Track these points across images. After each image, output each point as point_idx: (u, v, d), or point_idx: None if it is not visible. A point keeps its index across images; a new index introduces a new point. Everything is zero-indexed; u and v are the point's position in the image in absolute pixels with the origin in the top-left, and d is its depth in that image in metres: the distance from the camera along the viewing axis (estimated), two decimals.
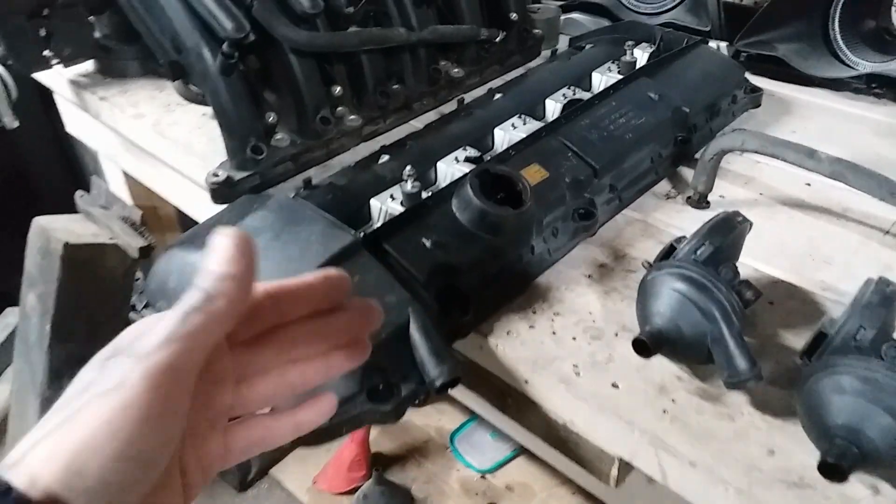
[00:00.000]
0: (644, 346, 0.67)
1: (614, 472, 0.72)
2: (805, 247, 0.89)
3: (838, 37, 1.24)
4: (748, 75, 1.21)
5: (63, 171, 2.10)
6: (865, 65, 1.21)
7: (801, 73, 1.22)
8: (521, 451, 1.94)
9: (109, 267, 1.55)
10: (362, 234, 0.79)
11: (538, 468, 1.91)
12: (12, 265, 1.53)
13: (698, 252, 0.72)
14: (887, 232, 0.90)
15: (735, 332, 0.65)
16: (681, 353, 0.71)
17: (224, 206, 0.99)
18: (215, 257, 0.42)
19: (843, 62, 1.23)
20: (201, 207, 1.09)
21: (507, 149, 0.90)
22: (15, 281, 1.55)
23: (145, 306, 0.78)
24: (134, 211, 1.64)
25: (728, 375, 0.66)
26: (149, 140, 1.17)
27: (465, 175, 0.82)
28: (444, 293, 0.76)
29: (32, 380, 1.58)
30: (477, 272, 0.78)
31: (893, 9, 1.30)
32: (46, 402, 1.58)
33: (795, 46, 1.24)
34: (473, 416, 2.06)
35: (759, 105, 1.17)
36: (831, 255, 0.87)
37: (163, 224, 1.74)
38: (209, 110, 1.14)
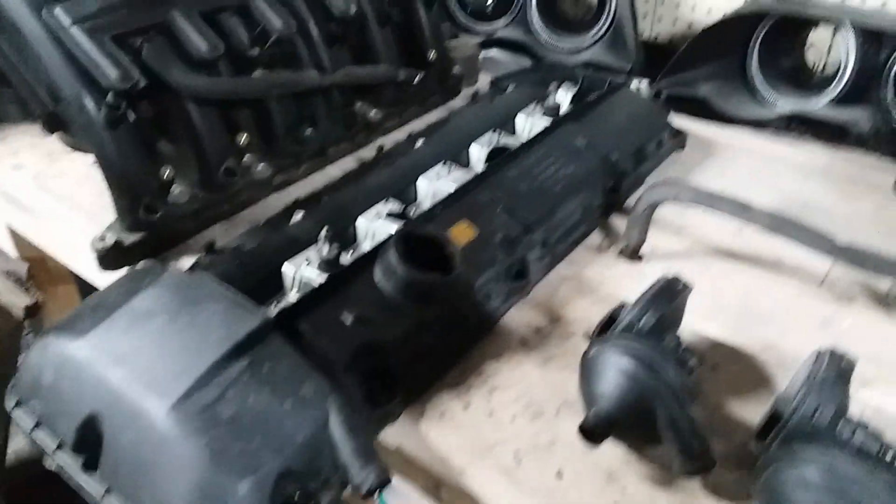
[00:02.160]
0: (592, 434, 0.61)
1: None
2: (742, 301, 0.86)
3: (757, 76, 1.24)
4: (671, 114, 1.19)
5: None
6: (785, 103, 1.22)
7: (722, 113, 1.21)
8: None
9: None
10: (274, 308, 0.70)
11: None
12: None
13: (641, 322, 0.67)
14: (822, 282, 0.88)
15: (686, 416, 0.60)
16: (629, 436, 0.65)
17: (114, 272, 0.88)
18: None
19: (762, 101, 1.23)
20: (91, 267, 0.97)
21: (434, 205, 0.84)
22: None
23: (16, 405, 0.67)
24: (19, 265, 1.49)
25: (681, 463, 0.60)
26: (29, 194, 1.04)
27: (388, 239, 0.74)
28: (368, 375, 0.68)
29: None
30: (405, 348, 0.71)
31: (807, 48, 1.32)
32: None
33: (716, 86, 1.24)
34: None
35: (684, 147, 1.15)
36: (769, 309, 0.85)
37: (53, 277, 1.57)
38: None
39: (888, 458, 0.56)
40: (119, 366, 0.61)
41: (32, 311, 1.46)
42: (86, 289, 1.67)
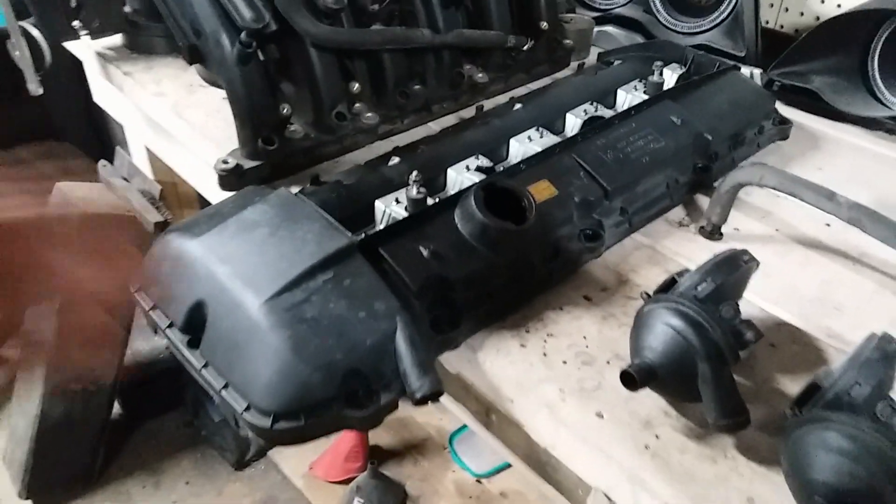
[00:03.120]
0: (632, 379, 0.65)
1: (590, 501, 0.70)
2: (817, 291, 0.86)
3: (877, 74, 1.20)
4: (779, 105, 1.17)
5: (91, 139, 2.12)
6: None
7: (833, 109, 1.18)
8: None
9: (125, 238, 1.56)
10: (361, 235, 0.78)
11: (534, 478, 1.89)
12: None
13: (699, 288, 0.69)
14: None
15: (726, 375, 0.63)
16: (669, 390, 0.69)
17: (232, 192, 0.99)
18: None
19: (878, 100, 1.20)
20: (214, 190, 1.10)
21: (518, 163, 0.89)
22: None
23: (137, 289, 0.78)
24: (154, 185, 1.65)
25: (715, 418, 0.64)
26: (167, 119, 1.17)
27: (471, 187, 0.81)
28: (436, 304, 0.75)
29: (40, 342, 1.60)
30: (472, 287, 0.77)
31: None
32: (52, 366, 1.60)
33: (831, 80, 1.21)
34: None
35: (787, 137, 1.14)
36: (843, 301, 0.85)
37: (181, 201, 1.75)
38: None
39: None
40: (225, 264, 0.71)
41: (161, 227, 1.63)
42: None
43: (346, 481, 1.91)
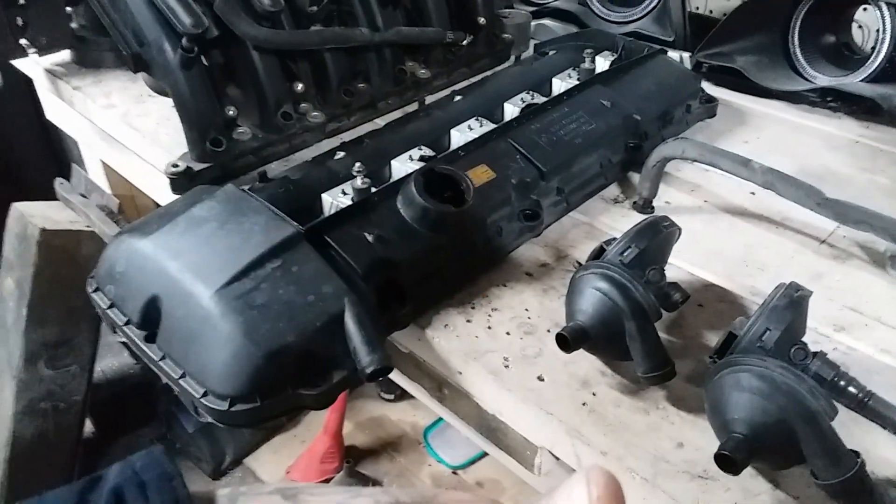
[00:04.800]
0: (565, 341, 0.70)
1: (537, 460, 0.75)
2: (741, 253, 0.92)
3: (798, 50, 1.27)
4: (708, 86, 1.24)
5: (46, 158, 2.12)
6: (823, 79, 1.25)
7: (759, 86, 1.25)
8: None
9: (85, 254, 1.57)
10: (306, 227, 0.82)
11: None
12: None
13: (625, 254, 0.74)
14: (823, 241, 0.93)
15: (650, 331, 0.68)
16: (602, 349, 0.74)
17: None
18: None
19: (800, 75, 1.27)
20: (167, 196, 1.12)
21: (457, 149, 0.93)
22: None
23: (95, 290, 0.81)
24: (111, 200, 1.66)
25: (643, 371, 0.69)
26: (119, 130, 1.20)
27: (412, 173, 0.85)
28: (383, 287, 0.79)
29: (9, 363, 1.61)
30: (417, 267, 0.81)
31: (854, 25, 1.33)
32: (22, 384, 1.60)
33: (754, 59, 1.28)
34: None
35: (714, 115, 1.20)
36: (766, 262, 0.90)
37: (140, 213, 1.76)
38: None
39: (842, 383, 0.64)
40: (176, 259, 0.75)
41: None
42: None
43: (324, 482, 1.94)
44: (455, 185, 0.85)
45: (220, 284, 0.71)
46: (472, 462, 2.07)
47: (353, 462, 1.96)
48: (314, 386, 0.70)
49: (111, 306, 0.79)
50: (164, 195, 1.21)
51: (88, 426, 1.90)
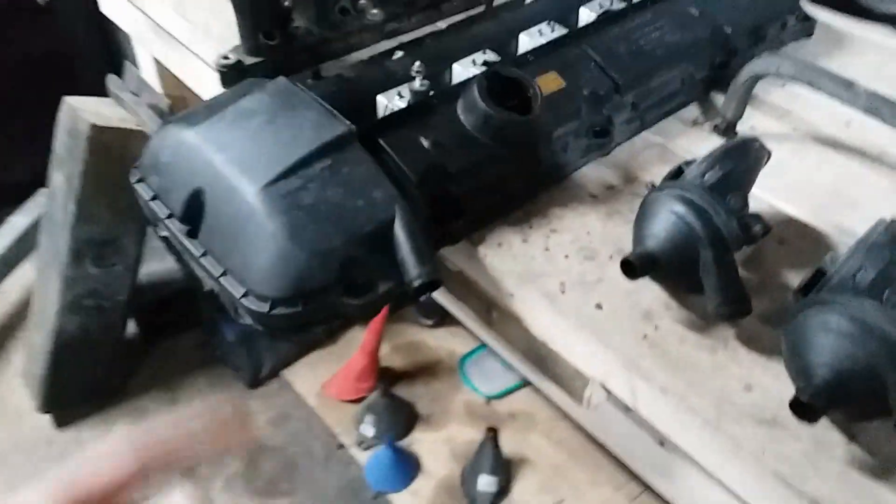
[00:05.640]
0: (632, 267, 0.64)
1: (587, 392, 0.71)
2: (831, 188, 0.83)
3: None
4: (803, 2, 1.11)
5: (99, 54, 2.10)
6: None
7: (859, 5, 1.12)
8: (528, 382, 1.95)
9: (135, 153, 1.55)
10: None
11: (542, 400, 1.92)
12: (47, 146, 1.55)
13: (706, 176, 0.68)
14: None
15: (728, 262, 0.62)
16: (670, 279, 0.68)
17: None
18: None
19: None
20: (211, 89, 1.08)
21: (525, 53, 0.86)
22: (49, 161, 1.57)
23: (139, 180, 0.78)
24: (163, 99, 1.63)
25: (716, 305, 0.63)
26: (170, 22, 1.15)
27: (475, 77, 0.78)
28: (436, 197, 0.74)
29: (55, 258, 1.62)
30: (474, 178, 0.76)
31: None
32: (68, 280, 1.63)
33: None
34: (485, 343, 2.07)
35: (811, 35, 1.08)
36: (857, 198, 0.82)
37: None
38: None
39: None
40: (222, 152, 0.70)
41: None
42: None
43: (358, 401, 1.95)
44: (521, 92, 0.78)
45: (267, 181, 0.67)
46: (507, 393, 2.06)
47: (388, 383, 1.96)
48: (358, 295, 0.66)
49: (154, 198, 0.76)
50: (213, 91, 1.17)
51: (131, 327, 1.93)
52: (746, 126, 0.92)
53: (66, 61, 2.04)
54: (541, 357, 0.74)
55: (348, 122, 0.73)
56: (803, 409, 0.54)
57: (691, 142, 0.91)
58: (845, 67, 1.04)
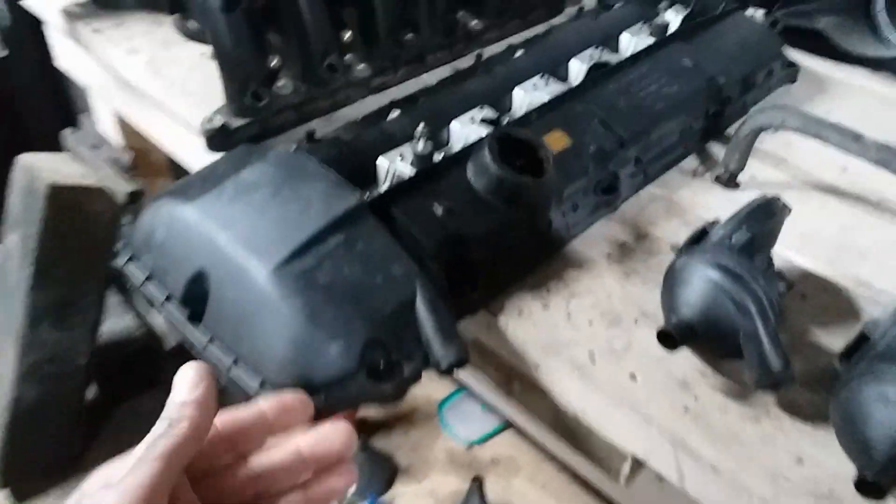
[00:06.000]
0: (670, 338, 0.62)
1: (626, 469, 0.68)
2: (839, 237, 0.83)
3: (883, 13, 1.16)
4: (785, 48, 1.13)
5: (53, 108, 2.01)
6: None
7: (839, 50, 1.14)
8: (509, 424, 1.92)
9: (96, 211, 1.48)
10: (367, 195, 0.73)
11: (525, 443, 1.88)
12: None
13: (734, 238, 0.66)
14: None
15: (770, 329, 0.60)
16: (708, 348, 0.65)
17: (219, 154, 0.92)
18: (177, 388, 0.49)
19: (884, 40, 1.16)
20: (195, 155, 1.03)
21: (529, 112, 0.84)
22: None
23: (129, 259, 0.72)
24: (124, 154, 1.57)
25: (759, 375, 0.60)
26: (143, 78, 1.09)
27: (484, 138, 0.75)
28: (453, 266, 0.71)
29: (11, 323, 1.52)
30: (490, 244, 0.73)
31: None
32: (25, 346, 1.52)
33: (836, 20, 1.17)
34: (463, 386, 2.02)
35: (795, 80, 1.10)
36: (867, 248, 0.82)
37: (153, 169, 1.66)
38: (208, 49, 1.06)
39: None
40: (227, 229, 0.66)
41: (134, 197, 1.54)
42: None
43: None
44: (531, 152, 0.76)
45: (279, 261, 0.62)
46: (488, 438, 2.01)
47: (365, 436, 1.90)
48: (384, 380, 0.62)
49: (148, 279, 0.70)
50: (191, 151, 1.11)
51: (91, 390, 1.83)
52: (746, 175, 0.91)
53: (15, 116, 1.95)
54: (570, 431, 0.71)
55: (359, 193, 0.69)
56: (869, 487, 0.52)
57: (694, 193, 0.90)
58: (831, 112, 1.05)
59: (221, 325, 0.64)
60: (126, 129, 1.52)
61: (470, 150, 0.76)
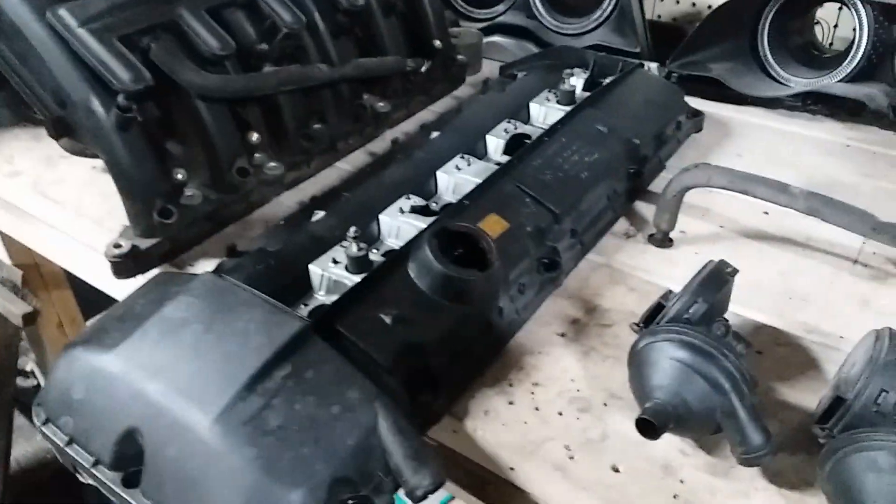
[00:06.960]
0: (650, 427, 0.59)
1: None
2: (779, 284, 0.84)
3: (768, 54, 1.23)
4: (688, 98, 1.17)
5: None
6: (798, 81, 1.20)
7: (735, 93, 1.19)
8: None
9: None
10: (303, 309, 0.67)
11: None
12: None
13: (691, 311, 0.65)
14: (856, 261, 0.87)
15: (748, 404, 0.59)
16: (687, 428, 0.63)
17: (129, 279, 0.85)
18: None
19: (775, 80, 1.22)
20: (98, 273, 0.94)
21: (461, 199, 0.81)
22: None
23: (46, 422, 0.63)
24: (13, 271, 1.45)
25: (743, 452, 0.59)
26: (29, 202, 1.00)
27: (421, 235, 0.72)
28: (410, 376, 0.66)
29: None
30: (445, 346, 0.69)
31: (817, 25, 1.30)
32: None
33: (728, 66, 1.22)
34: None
35: (701, 129, 1.13)
36: (807, 291, 0.83)
37: (47, 283, 1.53)
38: (99, 163, 0.98)
39: None
40: (156, 378, 0.59)
41: (30, 318, 1.42)
42: (83, 294, 1.62)
43: None
44: (472, 243, 0.73)
45: (222, 407, 0.56)
46: None
47: None
48: None
49: (70, 442, 0.61)
50: (95, 273, 1.02)
51: None
52: (676, 231, 0.92)
53: None
54: None
55: (301, 316, 0.64)
56: None
57: (632, 256, 0.89)
58: (741, 153, 1.10)
59: (164, 487, 0.57)
60: (11, 244, 1.39)
61: (408, 249, 0.72)
